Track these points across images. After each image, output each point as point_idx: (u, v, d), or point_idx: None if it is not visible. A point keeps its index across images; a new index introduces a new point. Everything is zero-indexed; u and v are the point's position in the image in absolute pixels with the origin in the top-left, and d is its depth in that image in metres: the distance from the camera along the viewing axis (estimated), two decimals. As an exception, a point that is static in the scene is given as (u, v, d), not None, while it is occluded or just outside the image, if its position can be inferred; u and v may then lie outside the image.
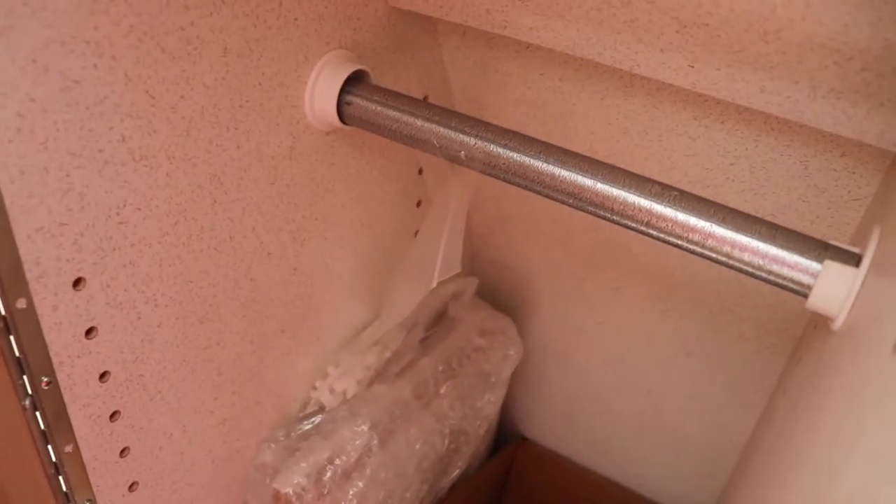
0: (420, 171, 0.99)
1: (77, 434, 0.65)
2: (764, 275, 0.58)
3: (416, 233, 1.01)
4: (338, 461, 0.83)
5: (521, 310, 1.18)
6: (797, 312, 0.91)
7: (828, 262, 0.54)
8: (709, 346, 1.04)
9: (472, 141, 0.68)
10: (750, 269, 0.58)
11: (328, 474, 0.82)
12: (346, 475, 0.84)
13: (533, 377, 1.26)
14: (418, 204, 1.01)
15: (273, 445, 0.86)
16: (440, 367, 0.97)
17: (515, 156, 0.66)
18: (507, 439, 1.33)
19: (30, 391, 0.60)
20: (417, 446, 0.92)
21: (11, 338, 0.57)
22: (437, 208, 0.87)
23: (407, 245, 0.98)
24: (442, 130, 0.69)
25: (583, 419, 1.25)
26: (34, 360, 0.59)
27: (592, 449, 1.28)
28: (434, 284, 0.82)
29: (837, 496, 0.40)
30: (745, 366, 1.02)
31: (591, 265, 1.07)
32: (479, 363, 1.03)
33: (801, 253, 0.55)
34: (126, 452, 0.70)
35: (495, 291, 1.19)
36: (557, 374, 1.23)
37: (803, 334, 0.91)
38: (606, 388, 1.18)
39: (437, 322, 1.04)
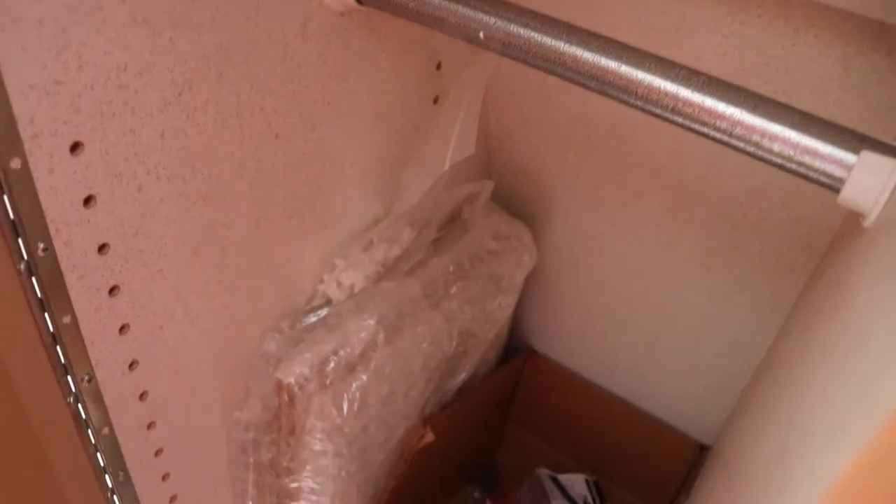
0: (438, 66, 0.95)
1: (75, 305, 0.63)
2: (794, 167, 0.54)
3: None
4: (342, 353, 0.82)
5: (537, 217, 1.15)
6: (822, 228, 0.88)
7: (865, 153, 0.50)
8: (729, 260, 1.01)
9: (492, 20, 0.64)
10: (780, 161, 0.55)
11: (331, 366, 0.81)
12: (350, 368, 0.83)
13: (546, 289, 1.24)
14: (435, 100, 0.97)
15: (277, 335, 0.85)
16: (451, 268, 0.95)
17: (536, 36, 0.62)
18: (516, 353, 1.32)
19: (25, 256, 0.58)
20: (424, 345, 0.90)
21: (5, 198, 0.55)
22: (453, 94, 0.84)
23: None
24: (460, 9, 0.65)
25: (594, 334, 1.23)
26: (30, 225, 0.57)
27: (602, 365, 1.26)
28: (447, 166, 0.79)
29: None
30: (765, 283, 1.00)
31: (610, 171, 1.03)
32: (491, 266, 1.01)
33: (837, 144, 0.52)
34: (126, 330, 0.69)
35: (511, 198, 1.15)
36: (571, 286, 1.20)
37: (827, 251, 0.88)
38: (620, 302, 1.16)
39: (451, 224, 1.01)
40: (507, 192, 1.15)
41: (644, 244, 1.08)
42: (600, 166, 1.04)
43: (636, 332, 1.18)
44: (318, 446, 0.82)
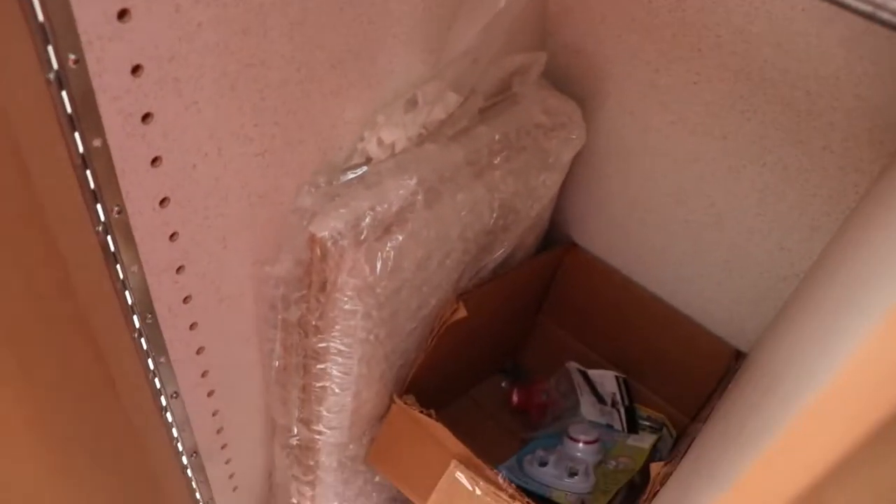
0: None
1: (106, 129, 0.61)
2: (887, 16, 0.49)
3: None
4: (379, 210, 0.79)
5: (588, 102, 1.10)
6: (897, 122, 0.83)
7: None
8: (788, 156, 0.96)
9: None
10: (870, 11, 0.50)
11: (367, 223, 0.78)
12: (386, 227, 0.80)
13: (591, 178, 1.19)
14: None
15: (313, 190, 0.82)
16: (497, 137, 0.92)
17: None
18: (556, 244, 1.29)
19: (55, 65, 0.55)
20: (463, 213, 0.87)
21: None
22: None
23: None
24: None
25: (637, 229, 1.19)
26: (60, 32, 0.54)
27: (643, 262, 1.23)
28: (502, 3, 0.75)
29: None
30: (824, 183, 0.95)
31: (670, 53, 0.98)
32: (538, 140, 0.97)
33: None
34: (158, 162, 0.67)
35: (563, 79, 1.10)
36: (617, 176, 1.16)
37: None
38: (668, 197, 1.12)
39: (499, 95, 0.97)
40: (559, 72, 1.10)
41: (698, 136, 1.03)
42: (661, 49, 0.99)
43: (681, 229, 1.14)
44: (348, 305, 0.80)
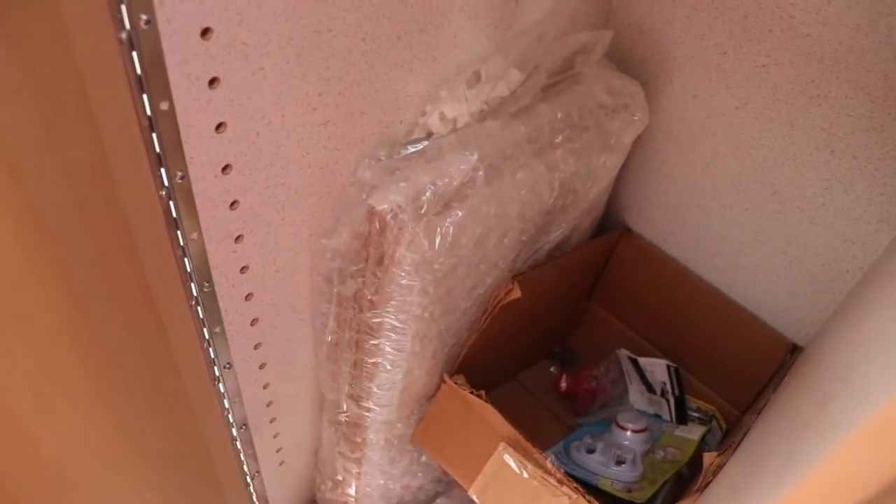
0: None
1: (174, 92, 0.60)
2: None
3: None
4: (439, 185, 0.78)
5: (652, 83, 1.08)
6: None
7: None
8: (858, 144, 0.93)
9: None
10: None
11: (427, 197, 0.77)
12: (446, 203, 0.79)
13: (650, 162, 1.17)
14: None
15: (373, 163, 0.81)
16: (559, 115, 0.90)
17: None
18: (611, 230, 1.27)
19: (127, 25, 0.55)
20: (523, 192, 0.86)
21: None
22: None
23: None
24: None
25: (695, 216, 1.17)
26: (132, -8, 0.53)
27: (700, 250, 1.20)
28: None
29: None
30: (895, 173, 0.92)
31: (740, 35, 0.95)
32: (600, 120, 0.95)
33: None
34: (222, 128, 0.66)
35: (627, 60, 1.08)
36: (677, 161, 1.13)
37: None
38: (728, 184, 1.09)
39: (562, 73, 0.95)
40: (623, 52, 1.08)
41: (764, 122, 1.00)
42: (730, 30, 0.96)
43: (741, 218, 1.11)
44: (404, 280, 0.80)
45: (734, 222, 1.12)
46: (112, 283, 0.66)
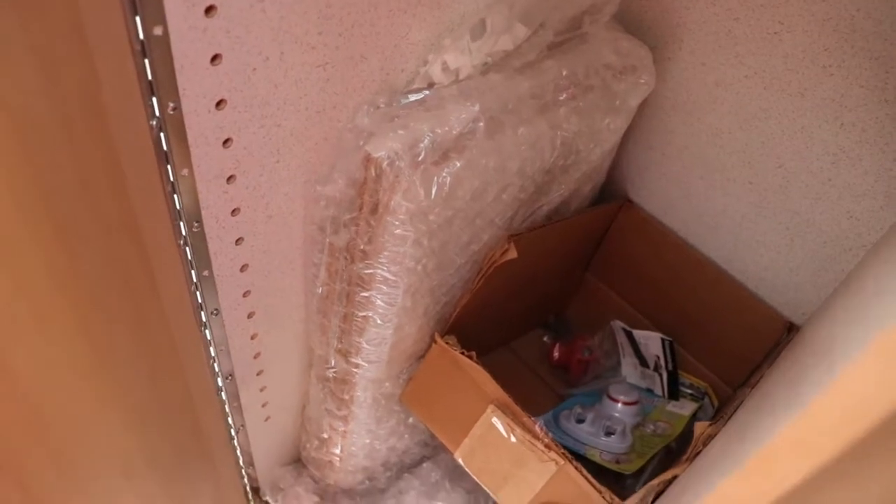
0: None
1: (168, 16, 0.58)
2: None
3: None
4: (438, 133, 0.76)
5: (660, 49, 1.05)
6: None
7: None
8: (869, 117, 0.91)
9: None
10: None
11: (425, 145, 0.75)
12: (445, 152, 0.77)
13: (653, 133, 1.15)
14: None
15: (372, 110, 0.79)
16: (564, 72, 0.88)
17: None
18: (612, 200, 1.25)
19: (120, -60, 0.53)
20: (524, 147, 0.84)
21: None
22: None
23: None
24: None
25: (698, 188, 1.15)
26: None
27: (701, 223, 1.18)
28: None
29: None
30: (906, 148, 0.90)
31: (752, 0, 0.93)
32: (606, 81, 0.93)
33: None
34: (218, 60, 0.64)
35: (635, 24, 1.06)
36: (682, 132, 1.11)
37: None
38: (733, 156, 1.07)
39: (568, 32, 0.93)
40: (632, 15, 1.06)
41: (772, 92, 0.98)
42: (743, -8, 0.94)
43: (744, 191, 1.09)
44: (398, 230, 0.78)
45: (737, 195, 1.10)
46: (98, 216, 0.64)
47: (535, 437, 0.94)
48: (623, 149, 1.17)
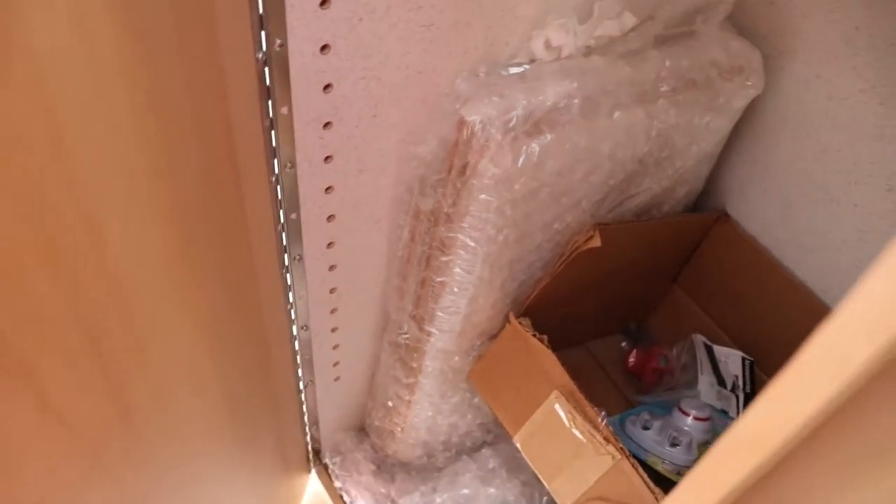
0: None
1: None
2: None
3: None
4: (534, 104, 0.77)
5: (773, 60, 1.03)
6: None
7: None
8: None
9: None
10: None
11: (519, 114, 0.76)
12: (537, 124, 0.78)
13: (759, 146, 1.12)
14: None
15: (471, 77, 0.81)
16: (667, 63, 0.87)
17: None
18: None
19: None
20: (617, 132, 0.84)
21: None
22: None
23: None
24: None
25: (799, 207, 1.11)
26: None
27: (798, 244, 1.14)
28: None
29: None
30: None
31: (878, 7, 0.90)
32: (711, 78, 0.92)
33: None
34: (326, 5, 0.67)
35: (749, 29, 1.03)
36: (789, 147, 1.08)
37: None
38: (839, 175, 1.04)
39: (678, 27, 0.92)
40: (745, 19, 1.03)
41: (890, 108, 0.94)
42: (869, 2, 0.91)
43: (848, 214, 1.05)
44: (483, 194, 0.79)
45: (840, 218, 1.07)
46: (200, 134, 0.67)
47: (596, 427, 0.93)
48: (724, 160, 1.15)
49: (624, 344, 1.34)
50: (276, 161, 0.76)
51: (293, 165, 0.77)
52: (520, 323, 0.99)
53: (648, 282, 1.28)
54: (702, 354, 1.25)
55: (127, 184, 0.54)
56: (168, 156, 0.59)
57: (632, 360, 1.28)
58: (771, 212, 1.16)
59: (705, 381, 1.24)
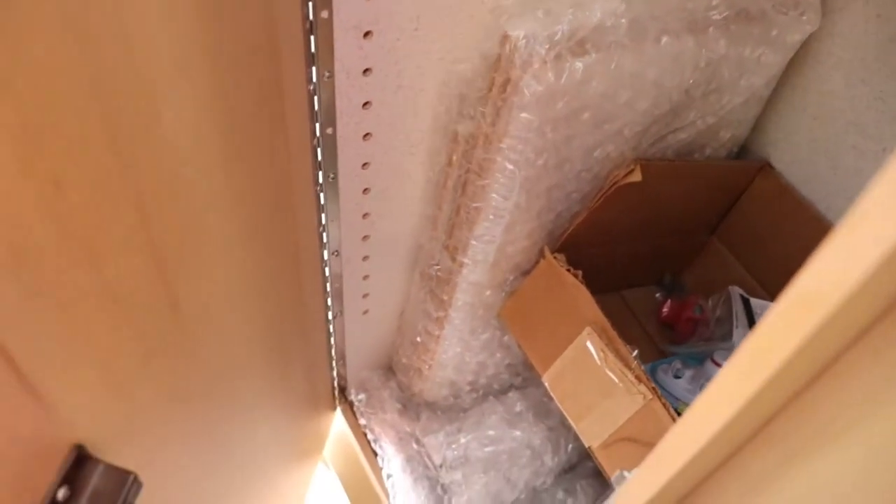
0: None
1: None
2: None
3: None
4: (579, 22, 0.74)
5: (829, 1, 0.99)
6: None
7: None
8: None
9: None
10: None
11: (564, 30, 0.74)
12: (581, 42, 0.76)
13: (809, 92, 1.08)
14: None
15: (518, -8, 0.78)
16: (721, -12, 0.84)
17: None
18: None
19: None
20: (665, 59, 0.81)
21: None
22: None
23: None
24: None
25: (848, 158, 1.08)
26: None
27: (845, 197, 1.11)
28: None
29: None
30: None
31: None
32: (765, 10, 0.89)
33: None
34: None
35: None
36: (842, 94, 1.04)
37: None
38: (894, 124, 1.00)
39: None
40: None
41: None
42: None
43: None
44: (524, 113, 0.77)
45: (889, 170, 1.03)
46: (250, 46, 0.66)
47: (627, 366, 0.91)
48: (771, 108, 1.12)
49: (658, 295, 1.31)
50: (314, 68, 0.75)
51: (331, 74, 0.76)
52: (554, 258, 0.97)
53: (686, 232, 1.25)
54: (738, 307, 1.22)
55: (180, 65, 0.53)
56: (216, 41, 0.57)
57: (666, 309, 1.25)
58: (818, 164, 1.13)
59: (741, 335, 1.21)
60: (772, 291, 1.24)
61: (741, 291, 1.22)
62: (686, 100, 0.90)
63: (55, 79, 0.39)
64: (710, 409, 0.43)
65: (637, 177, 0.90)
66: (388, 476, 1.29)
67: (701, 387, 1.07)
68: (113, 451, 0.50)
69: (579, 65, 0.75)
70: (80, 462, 0.46)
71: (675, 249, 1.28)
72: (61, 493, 0.44)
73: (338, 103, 0.79)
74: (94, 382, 0.50)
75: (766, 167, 1.18)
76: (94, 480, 0.46)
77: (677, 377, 1.11)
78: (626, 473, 0.91)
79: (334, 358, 1.23)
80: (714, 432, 0.42)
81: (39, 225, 0.40)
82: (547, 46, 0.74)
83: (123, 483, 0.47)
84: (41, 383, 0.41)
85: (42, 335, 0.41)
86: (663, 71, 0.82)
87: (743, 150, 1.19)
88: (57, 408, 0.43)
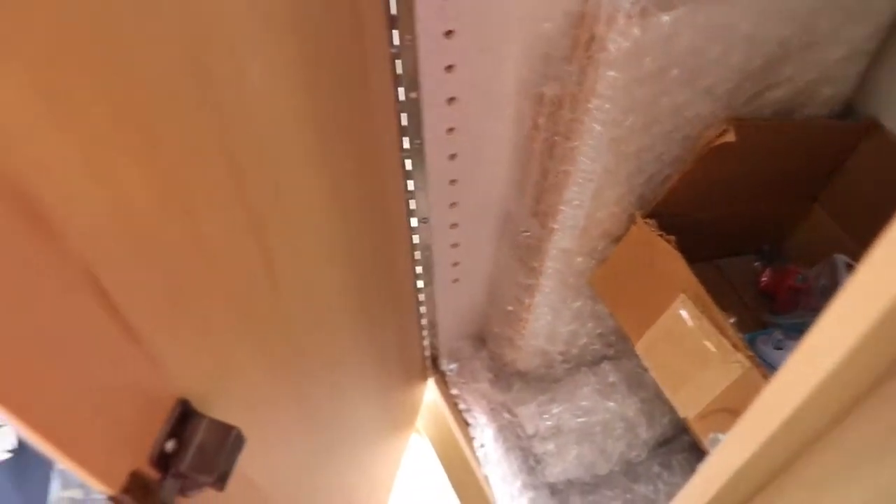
0: None
1: None
2: None
3: None
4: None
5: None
6: None
7: None
8: None
9: None
10: None
11: (650, -15, 0.71)
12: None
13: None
14: None
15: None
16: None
17: None
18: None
19: None
20: (757, 11, 0.77)
21: None
22: None
23: None
24: None
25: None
26: None
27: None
28: None
29: None
30: None
31: None
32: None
33: None
34: None
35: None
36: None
37: None
38: None
39: None
40: None
41: None
42: None
43: None
44: (611, 70, 0.75)
45: None
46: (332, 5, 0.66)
47: (724, 333, 0.88)
48: (879, 60, 1.05)
49: (757, 264, 1.26)
50: (395, 32, 0.74)
51: (413, 37, 0.75)
52: (646, 223, 0.95)
53: (786, 197, 1.19)
54: (844, 276, 1.16)
55: (265, 20, 0.53)
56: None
57: (765, 278, 1.21)
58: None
59: (847, 305, 1.15)
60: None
61: (847, 259, 1.16)
62: (781, 52, 0.86)
63: (146, 36, 0.39)
64: (812, 363, 0.40)
65: (731, 137, 0.87)
66: (481, 445, 1.29)
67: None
68: (215, 408, 0.51)
69: (666, 18, 0.72)
70: (185, 416, 0.47)
71: (773, 217, 1.23)
72: (169, 446, 0.45)
73: (420, 67, 0.79)
74: (195, 339, 0.51)
75: (874, 127, 1.12)
76: (200, 434, 0.47)
77: (778, 348, 1.06)
78: (720, 436, 0.89)
79: (425, 328, 1.24)
80: (815, 387, 0.39)
81: (140, 180, 0.40)
82: (633, 2, 0.71)
83: (227, 437, 0.48)
84: (147, 336, 0.42)
85: (145, 288, 0.42)
86: (756, 24, 0.79)
87: (848, 110, 1.13)
88: (162, 360, 0.44)
